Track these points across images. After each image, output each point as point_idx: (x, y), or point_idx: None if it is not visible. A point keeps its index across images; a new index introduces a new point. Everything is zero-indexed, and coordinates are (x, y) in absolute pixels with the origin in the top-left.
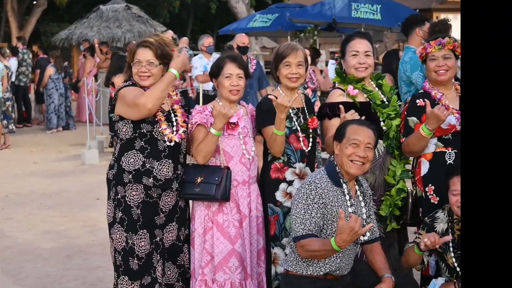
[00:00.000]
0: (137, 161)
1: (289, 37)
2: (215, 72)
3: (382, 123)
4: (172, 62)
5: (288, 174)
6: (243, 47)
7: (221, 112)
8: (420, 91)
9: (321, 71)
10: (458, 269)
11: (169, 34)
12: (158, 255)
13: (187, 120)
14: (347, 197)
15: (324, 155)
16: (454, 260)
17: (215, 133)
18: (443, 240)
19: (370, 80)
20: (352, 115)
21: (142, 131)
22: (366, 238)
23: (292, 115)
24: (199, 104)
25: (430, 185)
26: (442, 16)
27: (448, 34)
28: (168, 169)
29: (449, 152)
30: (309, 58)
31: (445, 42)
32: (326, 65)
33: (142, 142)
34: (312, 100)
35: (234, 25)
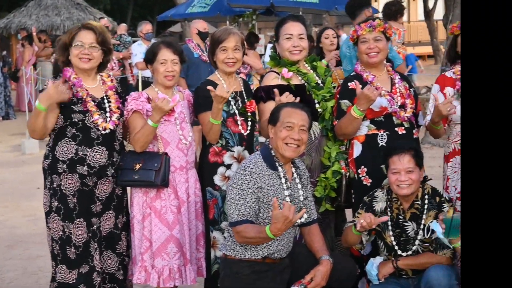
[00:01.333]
0: (70, 149)
1: (227, 22)
2: (150, 58)
3: (317, 105)
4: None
5: (227, 158)
6: (204, 32)
7: (158, 105)
8: (352, 74)
9: (261, 56)
10: (396, 247)
11: (104, 22)
12: (96, 244)
13: (121, 106)
14: (283, 180)
15: (261, 138)
16: (392, 238)
17: (152, 125)
18: (380, 221)
19: (304, 62)
20: (287, 97)
21: (74, 120)
22: (303, 220)
23: (230, 98)
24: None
25: (362, 167)
26: None
27: (402, 13)
28: (101, 155)
29: (381, 134)
30: None
31: (376, 24)
32: (265, 49)
33: (74, 129)
34: None
35: (172, 11)
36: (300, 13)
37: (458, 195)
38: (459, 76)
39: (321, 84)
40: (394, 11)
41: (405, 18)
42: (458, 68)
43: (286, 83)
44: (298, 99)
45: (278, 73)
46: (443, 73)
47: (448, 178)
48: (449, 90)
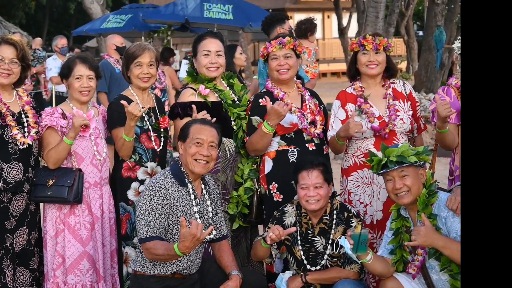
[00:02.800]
0: None
1: (143, 38)
2: (66, 73)
3: (233, 123)
4: None
5: (140, 173)
6: (122, 47)
7: (75, 126)
8: (263, 90)
9: (176, 71)
10: (305, 262)
11: (17, 36)
12: (8, 260)
13: (38, 121)
14: (192, 196)
15: (176, 154)
16: (301, 253)
17: (68, 143)
18: (288, 232)
19: (221, 79)
20: (204, 116)
21: None
22: (212, 236)
23: (143, 114)
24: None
25: (273, 183)
26: (296, 16)
27: (313, 32)
28: (18, 171)
29: (291, 150)
30: None
31: (286, 41)
32: (180, 64)
33: None
34: (162, 100)
35: (87, 26)
36: (215, 29)
37: (364, 209)
38: (360, 93)
39: (238, 102)
40: (304, 30)
41: (320, 35)
42: (358, 84)
43: (202, 100)
44: (214, 119)
45: (195, 90)
46: (344, 89)
47: (350, 192)
48: (350, 106)
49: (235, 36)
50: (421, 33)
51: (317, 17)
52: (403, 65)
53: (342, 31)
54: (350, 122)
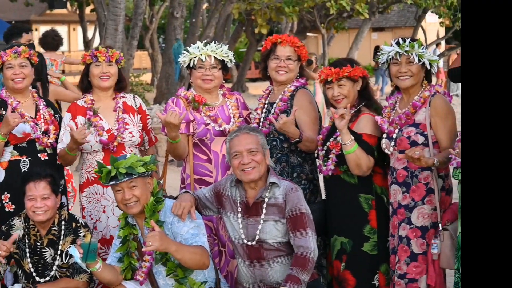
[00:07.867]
0: None
1: None
2: None
3: None
4: None
5: None
6: None
7: None
8: None
9: None
10: (34, 274)
11: None
12: None
13: None
14: None
15: None
16: (30, 265)
17: None
18: (12, 240)
19: None
20: None
21: None
22: None
23: None
24: None
25: (6, 193)
26: (42, 28)
27: (62, 43)
28: None
29: (24, 160)
30: None
31: (21, 50)
32: None
33: None
34: None
35: None
36: None
37: (95, 224)
38: (90, 105)
39: None
40: (56, 42)
41: (66, 47)
42: (89, 97)
43: None
44: None
45: None
46: (76, 101)
47: (84, 208)
48: (80, 119)
49: None
50: None
51: (63, 29)
52: (146, 77)
53: (88, 43)
54: (73, 132)
